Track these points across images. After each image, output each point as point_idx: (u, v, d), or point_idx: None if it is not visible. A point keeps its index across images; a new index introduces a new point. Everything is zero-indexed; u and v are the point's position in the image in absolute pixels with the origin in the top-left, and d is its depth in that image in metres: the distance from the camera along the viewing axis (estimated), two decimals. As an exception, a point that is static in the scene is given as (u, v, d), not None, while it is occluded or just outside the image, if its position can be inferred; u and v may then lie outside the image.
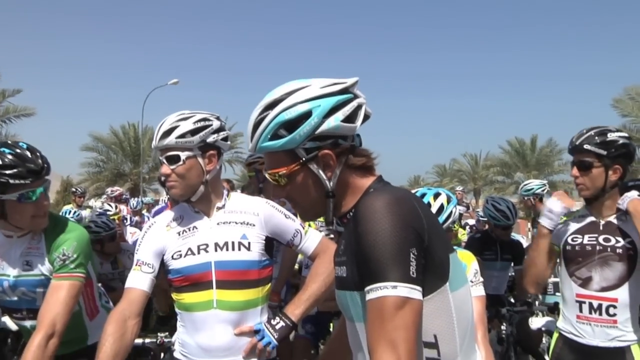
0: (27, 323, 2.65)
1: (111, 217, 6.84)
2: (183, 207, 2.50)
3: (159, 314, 4.61)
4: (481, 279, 2.95)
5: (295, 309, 2.42)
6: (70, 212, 7.39)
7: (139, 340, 3.16)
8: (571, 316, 2.90)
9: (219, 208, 2.47)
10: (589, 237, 2.88)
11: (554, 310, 4.15)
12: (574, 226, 2.97)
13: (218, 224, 2.44)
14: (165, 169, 2.36)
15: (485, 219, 5.88)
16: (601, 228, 2.88)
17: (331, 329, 4.69)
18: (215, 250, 2.38)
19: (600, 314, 2.79)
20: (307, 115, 1.45)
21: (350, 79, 1.52)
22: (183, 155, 2.33)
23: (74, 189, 12.51)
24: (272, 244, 2.51)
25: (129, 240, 7.00)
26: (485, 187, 39.93)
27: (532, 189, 6.61)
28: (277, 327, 2.37)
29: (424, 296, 1.31)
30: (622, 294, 2.77)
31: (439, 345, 1.39)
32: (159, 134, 2.35)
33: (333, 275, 2.37)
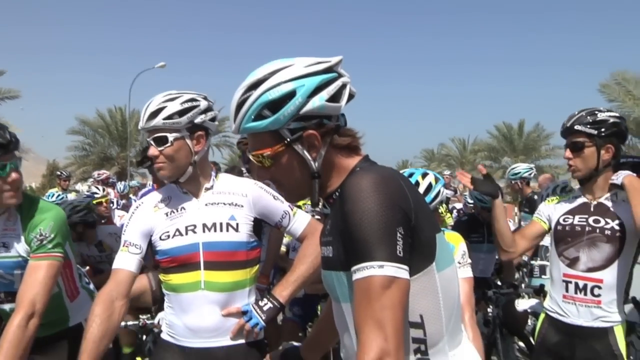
0: (6, 306, 2.62)
1: (99, 200, 6.79)
2: (171, 188, 2.48)
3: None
4: (469, 261, 2.95)
5: (283, 291, 2.42)
6: (54, 195, 7.30)
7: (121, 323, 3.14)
8: (557, 296, 2.93)
9: (207, 189, 2.45)
10: (580, 218, 2.91)
11: (539, 292, 4.18)
12: (566, 206, 3.00)
13: (206, 205, 2.42)
14: (153, 150, 2.34)
15: (472, 202, 5.89)
16: (592, 209, 2.91)
17: (319, 312, 4.71)
18: (203, 232, 2.36)
19: (585, 294, 2.82)
20: (291, 95, 1.42)
21: (334, 57, 1.49)
22: (171, 136, 2.30)
23: (58, 173, 12.40)
24: (261, 225, 2.49)
25: (117, 223, 6.95)
26: (473, 172, 40.05)
27: (520, 172, 6.65)
28: (265, 308, 2.36)
29: (410, 276, 1.30)
30: (608, 275, 2.80)
31: (425, 325, 1.39)
32: (145, 115, 2.32)
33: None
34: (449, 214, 8.66)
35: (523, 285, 5.45)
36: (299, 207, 3.60)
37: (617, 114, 2.89)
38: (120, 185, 10.85)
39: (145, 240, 2.41)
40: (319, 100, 1.43)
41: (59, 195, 7.33)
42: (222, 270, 2.35)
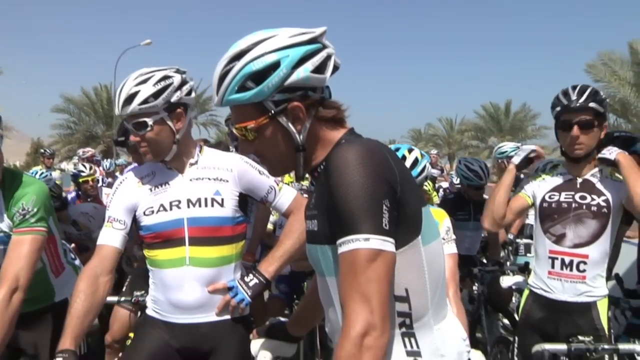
0: None
1: (85, 179, 6.72)
2: (155, 164, 2.45)
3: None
4: (453, 237, 2.97)
5: (269, 266, 2.41)
6: (37, 173, 7.21)
7: (113, 299, 3.13)
8: (542, 272, 2.95)
9: (191, 164, 2.43)
10: (566, 195, 2.92)
11: (524, 270, 4.22)
12: (551, 183, 3.01)
13: (191, 180, 2.40)
14: (134, 136, 2.31)
15: (458, 181, 5.91)
16: (578, 186, 2.92)
17: (305, 289, 4.72)
18: (188, 207, 2.35)
19: (571, 269, 2.85)
20: (276, 66, 1.39)
21: (318, 28, 1.46)
22: (150, 120, 2.27)
23: (42, 150, 12.25)
24: (247, 200, 2.48)
25: (104, 201, 6.88)
26: (459, 152, 40.29)
27: (506, 151, 6.65)
28: (251, 284, 2.36)
29: (396, 249, 1.29)
30: (593, 250, 2.84)
31: (410, 299, 1.39)
32: (119, 101, 2.28)
33: None
34: (435, 193, 8.69)
35: (508, 263, 5.48)
36: (287, 184, 3.60)
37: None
38: (106, 163, 10.75)
39: (129, 216, 2.39)
40: (304, 72, 1.40)
41: (42, 173, 7.24)
42: (208, 245, 2.34)
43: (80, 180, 6.79)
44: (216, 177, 2.40)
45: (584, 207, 2.86)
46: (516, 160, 3.20)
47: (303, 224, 2.30)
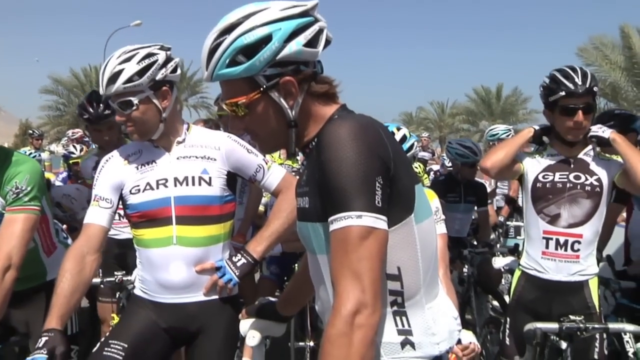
0: None
1: (75, 160, 6.66)
2: (141, 142, 2.41)
3: None
4: (443, 217, 2.96)
5: (257, 246, 2.39)
6: (25, 153, 7.13)
7: (96, 280, 3.10)
8: (536, 253, 2.94)
9: (179, 142, 2.39)
10: (560, 175, 2.92)
11: (514, 252, 4.23)
12: (544, 163, 2.99)
13: (178, 158, 2.37)
14: (120, 116, 2.28)
15: (450, 163, 5.91)
16: (572, 166, 2.92)
17: (296, 270, 4.71)
18: (175, 185, 2.32)
19: (566, 249, 2.86)
20: (267, 39, 1.36)
21: (309, 1, 1.43)
22: (135, 99, 2.23)
23: (30, 131, 12.16)
24: (235, 179, 2.45)
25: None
26: (450, 135, 40.38)
27: (498, 134, 6.67)
28: (239, 264, 2.34)
29: (388, 227, 1.27)
30: (587, 230, 2.85)
31: (402, 277, 1.37)
32: (103, 80, 2.23)
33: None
34: (426, 175, 8.70)
35: (498, 245, 5.51)
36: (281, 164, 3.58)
37: None
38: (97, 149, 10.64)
39: (116, 194, 2.36)
40: (296, 45, 1.37)
41: (31, 154, 7.18)
42: (195, 225, 2.31)
43: (71, 161, 6.74)
44: (204, 156, 2.37)
45: (579, 186, 2.86)
46: (536, 126, 3.09)
47: (292, 204, 2.28)
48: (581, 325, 2.50)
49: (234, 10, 1.43)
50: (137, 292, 2.46)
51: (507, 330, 3.05)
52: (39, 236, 2.69)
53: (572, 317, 2.55)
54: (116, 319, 3.11)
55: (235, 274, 2.32)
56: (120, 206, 2.42)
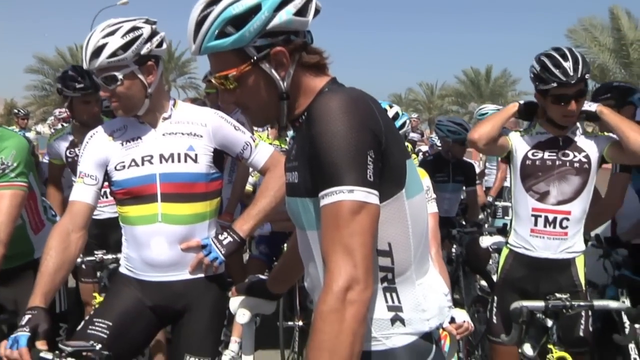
0: None
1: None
2: (127, 117, 2.37)
3: None
4: (434, 196, 2.97)
5: (244, 225, 2.36)
6: (11, 133, 7.03)
7: (77, 260, 3.08)
8: (524, 231, 2.95)
9: (164, 119, 2.36)
10: (549, 152, 2.92)
11: (502, 232, 4.25)
12: (533, 141, 2.99)
13: (163, 134, 2.33)
14: (104, 91, 2.23)
15: (440, 144, 5.91)
16: (561, 143, 2.92)
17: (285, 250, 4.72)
18: (160, 162, 2.29)
19: (554, 226, 2.87)
20: (257, 9, 1.33)
21: None
22: (119, 74, 2.19)
23: (16, 111, 11.99)
24: (223, 156, 2.42)
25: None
26: (439, 117, 40.46)
27: (487, 113, 6.65)
28: (225, 242, 2.31)
29: (379, 202, 1.25)
30: (576, 206, 2.87)
31: (392, 253, 1.36)
32: (87, 54, 2.18)
33: (284, 190, 2.33)
34: (415, 156, 8.71)
35: (486, 225, 5.54)
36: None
37: None
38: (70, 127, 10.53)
39: (101, 171, 2.33)
40: (286, 14, 1.34)
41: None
42: (181, 202, 2.29)
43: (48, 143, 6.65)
44: (190, 132, 2.34)
45: (567, 164, 2.87)
46: (524, 103, 3.07)
47: (280, 182, 2.27)
48: (567, 303, 2.53)
49: None
50: (122, 270, 2.44)
51: (494, 309, 3.07)
52: (26, 213, 2.66)
53: (558, 295, 2.58)
54: (99, 299, 3.10)
55: (221, 252, 2.30)
56: (105, 184, 2.40)
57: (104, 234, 3.61)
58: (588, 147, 2.89)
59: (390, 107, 3.02)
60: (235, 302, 2.10)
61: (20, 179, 2.42)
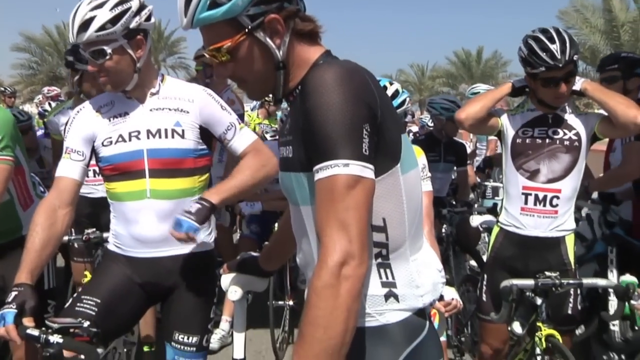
0: None
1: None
2: (114, 93, 2.33)
3: None
4: (429, 174, 2.96)
5: (213, 194, 2.21)
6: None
7: (65, 238, 3.06)
8: (514, 210, 2.96)
9: (152, 94, 2.33)
10: (539, 130, 2.92)
11: (492, 212, 4.27)
12: (523, 120, 2.98)
13: (151, 110, 2.30)
14: (92, 66, 2.19)
15: (432, 123, 5.91)
16: (550, 121, 2.92)
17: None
18: (148, 138, 2.26)
19: (545, 205, 2.87)
20: None
21: None
22: (108, 48, 2.14)
23: (2, 89, 11.82)
24: (210, 134, 2.38)
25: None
26: (432, 96, 40.45)
27: (479, 92, 6.63)
28: (194, 210, 2.13)
29: (375, 177, 1.24)
30: (566, 184, 2.87)
31: (387, 229, 1.35)
32: (74, 27, 2.13)
33: (264, 172, 2.27)
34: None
35: (476, 205, 5.56)
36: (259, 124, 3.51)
37: None
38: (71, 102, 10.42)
39: (88, 147, 2.30)
40: None
41: (3, 111, 6.98)
42: (169, 177, 2.26)
43: (46, 120, 6.59)
44: (177, 108, 2.31)
45: (557, 141, 2.87)
46: (517, 83, 3.03)
47: (260, 162, 2.26)
48: (557, 281, 2.54)
49: None
50: (110, 247, 2.43)
51: (484, 287, 3.09)
52: (14, 188, 2.63)
53: (547, 273, 2.59)
54: (89, 277, 3.08)
55: (192, 219, 2.11)
56: (94, 162, 2.37)
57: (97, 213, 3.57)
58: (578, 124, 2.88)
59: (391, 84, 2.97)
60: (226, 280, 2.08)
61: (5, 153, 2.38)
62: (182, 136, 2.28)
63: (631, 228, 3.58)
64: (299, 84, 1.39)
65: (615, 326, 3.35)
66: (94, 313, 2.19)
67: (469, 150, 6.14)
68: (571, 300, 2.90)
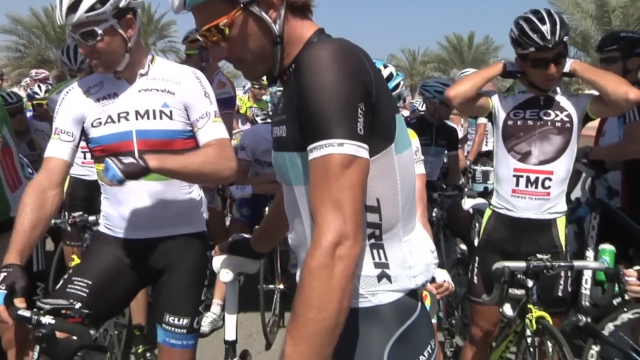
0: None
1: (39, 102, 6.41)
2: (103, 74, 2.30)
3: None
4: (422, 157, 2.96)
5: (154, 159, 2.02)
6: (-15, 95, 6.84)
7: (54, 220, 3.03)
8: (506, 192, 2.96)
9: (141, 75, 2.30)
10: (531, 112, 2.91)
11: (483, 195, 4.28)
12: (515, 101, 2.98)
13: (139, 91, 2.28)
14: (84, 47, 2.15)
15: (423, 107, 5.89)
16: (542, 103, 2.91)
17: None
18: (136, 119, 2.24)
19: (536, 187, 2.87)
20: None
21: None
22: (99, 29, 2.10)
23: (-10, 70, 11.64)
24: None
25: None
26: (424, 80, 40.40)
27: (470, 76, 6.63)
28: (126, 162, 1.97)
29: (369, 157, 1.22)
30: (558, 166, 2.87)
31: (381, 209, 1.34)
32: (62, 9, 2.08)
33: (215, 167, 2.21)
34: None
35: (466, 189, 5.58)
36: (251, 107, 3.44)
37: None
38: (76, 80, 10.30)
39: (77, 128, 2.27)
40: None
41: (-9, 94, 6.88)
42: None
43: (35, 102, 6.51)
44: (164, 89, 2.28)
45: (549, 123, 2.87)
46: (509, 66, 3.00)
47: (218, 154, 2.21)
48: (548, 263, 2.56)
49: None
50: (101, 229, 2.42)
51: (476, 269, 3.10)
52: (2, 169, 2.59)
53: (539, 255, 2.60)
54: (76, 261, 3.05)
55: (118, 167, 1.92)
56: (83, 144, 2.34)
57: (92, 196, 3.54)
58: (570, 106, 2.88)
59: (385, 67, 2.96)
60: (218, 261, 2.08)
61: None
62: (170, 117, 2.26)
63: (618, 198, 3.63)
64: (293, 62, 1.36)
65: (586, 290, 3.41)
66: (85, 295, 2.18)
67: (460, 135, 6.15)
68: (562, 282, 2.92)
